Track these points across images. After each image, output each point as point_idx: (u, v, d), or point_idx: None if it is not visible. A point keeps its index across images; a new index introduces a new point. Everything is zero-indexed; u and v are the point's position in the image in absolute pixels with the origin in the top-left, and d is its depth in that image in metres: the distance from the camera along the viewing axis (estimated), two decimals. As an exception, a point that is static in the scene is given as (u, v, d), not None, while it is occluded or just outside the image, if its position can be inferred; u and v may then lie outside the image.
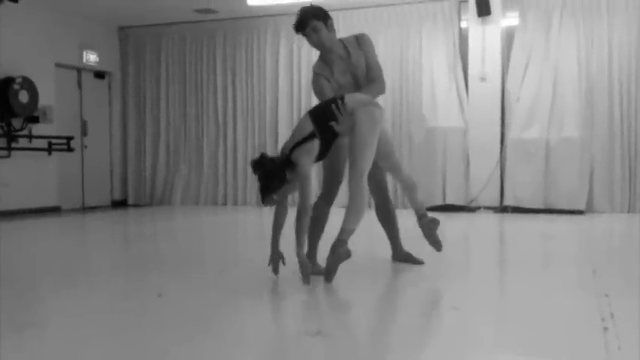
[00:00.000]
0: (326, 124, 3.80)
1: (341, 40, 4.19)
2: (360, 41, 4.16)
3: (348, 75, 4.15)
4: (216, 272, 4.45)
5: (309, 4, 4.17)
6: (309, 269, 3.80)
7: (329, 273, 3.79)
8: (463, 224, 7.86)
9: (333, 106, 3.81)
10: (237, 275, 4.30)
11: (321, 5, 4.20)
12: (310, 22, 4.04)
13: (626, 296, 3.51)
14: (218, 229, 7.89)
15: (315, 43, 4.12)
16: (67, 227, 8.24)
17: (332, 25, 4.15)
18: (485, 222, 8.07)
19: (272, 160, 3.76)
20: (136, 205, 10.88)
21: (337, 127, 3.80)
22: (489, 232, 7.34)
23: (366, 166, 3.78)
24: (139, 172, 11.03)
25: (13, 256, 5.36)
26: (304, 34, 4.12)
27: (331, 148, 3.92)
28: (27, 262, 5.09)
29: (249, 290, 3.79)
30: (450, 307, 3.42)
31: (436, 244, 4.29)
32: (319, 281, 3.81)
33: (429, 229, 4.28)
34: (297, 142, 3.79)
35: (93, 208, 10.39)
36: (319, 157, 3.88)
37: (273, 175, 3.74)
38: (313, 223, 3.98)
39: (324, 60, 4.18)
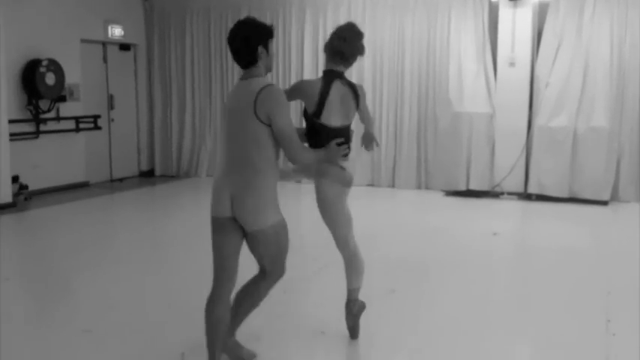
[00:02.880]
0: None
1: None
2: None
3: None
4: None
5: None
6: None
7: (353, 331, 3.92)
8: (486, 213, 7.97)
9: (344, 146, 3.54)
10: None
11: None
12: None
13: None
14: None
15: None
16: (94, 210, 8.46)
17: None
18: (508, 211, 8.14)
19: None
20: (162, 176, 11.02)
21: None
22: (510, 228, 7.38)
23: (344, 230, 3.74)
24: (165, 143, 11.10)
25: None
26: None
27: None
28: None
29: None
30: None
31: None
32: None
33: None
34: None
35: (121, 180, 10.54)
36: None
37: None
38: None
39: None
